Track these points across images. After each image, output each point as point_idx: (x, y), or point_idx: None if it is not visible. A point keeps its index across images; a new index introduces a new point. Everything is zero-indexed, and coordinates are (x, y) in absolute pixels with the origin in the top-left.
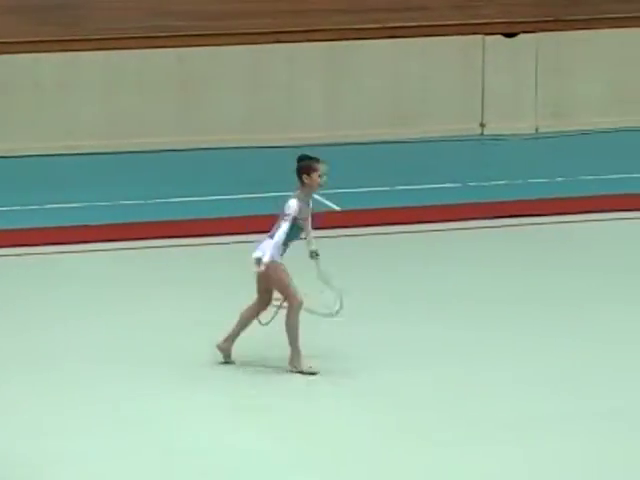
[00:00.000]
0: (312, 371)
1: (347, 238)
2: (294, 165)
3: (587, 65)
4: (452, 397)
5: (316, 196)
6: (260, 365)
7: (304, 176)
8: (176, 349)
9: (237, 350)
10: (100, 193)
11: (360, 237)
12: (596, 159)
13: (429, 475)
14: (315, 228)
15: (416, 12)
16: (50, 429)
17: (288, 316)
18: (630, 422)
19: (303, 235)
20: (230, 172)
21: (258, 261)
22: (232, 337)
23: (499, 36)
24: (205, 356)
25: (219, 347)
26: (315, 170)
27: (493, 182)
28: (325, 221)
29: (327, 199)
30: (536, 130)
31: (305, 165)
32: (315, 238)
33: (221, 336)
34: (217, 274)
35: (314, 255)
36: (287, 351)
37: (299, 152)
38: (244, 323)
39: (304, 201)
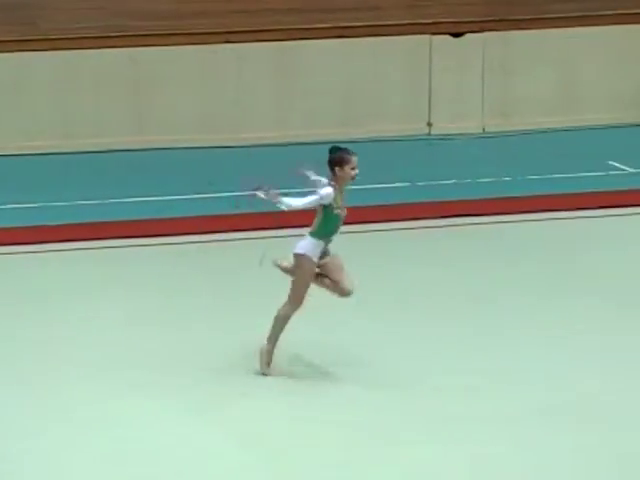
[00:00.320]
0: (265, 372)
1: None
2: (246, 164)
3: (533, 65)
4: (410, 395)
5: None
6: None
7: (336, 168)
8: (129, 350)
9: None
10: (55, 194)
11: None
12: (543, 159)
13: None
14: (265, 228)
15: (365, 12)
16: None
17: (282, 310)
18: (579, 414)
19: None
20: (183, 172)
21: (296, 257)
22: (273, 340)
23: (446, 36)
24: (159, 359)
25: (262, 351)
26: (348, 162)
27: (441, 181)
28: (276, 221)
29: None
30: (483, 130)
31: (338, 157)
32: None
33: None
34: (173, 274)
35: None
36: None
37: (250, 152)
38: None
39: (339, 192)
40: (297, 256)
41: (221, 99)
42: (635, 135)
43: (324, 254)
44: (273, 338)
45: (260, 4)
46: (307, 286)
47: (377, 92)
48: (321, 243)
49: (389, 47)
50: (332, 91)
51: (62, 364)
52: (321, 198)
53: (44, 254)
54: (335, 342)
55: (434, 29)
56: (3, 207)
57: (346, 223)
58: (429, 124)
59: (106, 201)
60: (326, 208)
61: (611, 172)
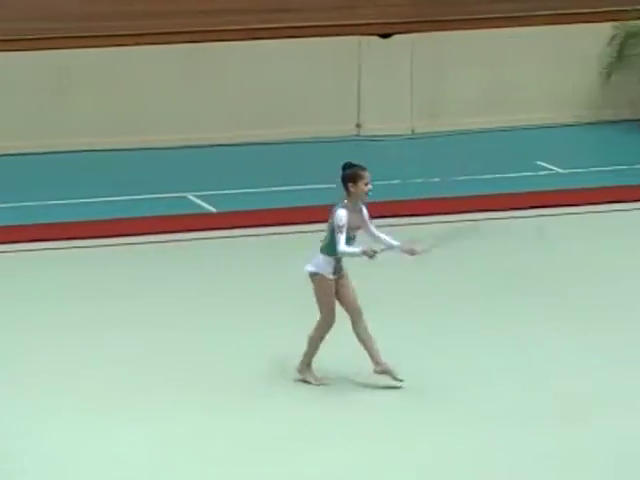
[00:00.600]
0: (323, 382)
1: (223, 240)
2: (154, 167)
3: (463, 65)
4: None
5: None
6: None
7: (350, 184)
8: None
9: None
10: None
11: (234, 239)
12: (471, 159)
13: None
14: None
15: (291, 13)
16: None
17: (316, 329)
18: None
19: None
20: (85, 175)
21: (311, 276)
22: (307, 360)
23: (375, 37)
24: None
25: (299, 371)
26: (361, 178)
27: None
28: (199, 224)
29: (203, 201)
30: (412, 131)
31: (351, 173)
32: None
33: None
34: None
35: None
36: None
37: (164, 155)
38: (314, 344)
39: (352, 210)
40: (311, 275)
41: (133, 102)
42: (567, 135)
43: (338, 270)
44: (309, 355)
45: (172, 6)
46: (330, 302)
47: (305, 93)
48: (332, 260)
49: (317, 48)
50: (260, 92)
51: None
52: (345, 229)
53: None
54: None
55: (363, 30)
56: None
57: (269, 225)
58: (358, 125)
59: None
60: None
61: (540, 172)
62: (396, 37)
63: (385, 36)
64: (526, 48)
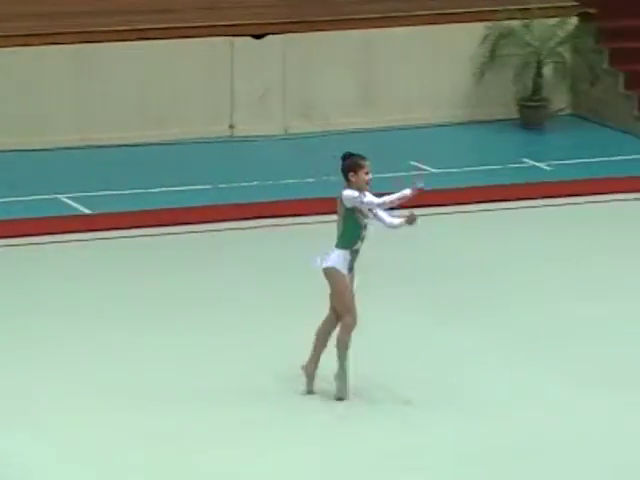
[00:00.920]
0: (339, 396)
1: (99, 242)
2: (49, 168)
3: (335, 66)
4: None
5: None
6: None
7: (350, 174)
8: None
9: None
10: None
11: (109, 240)
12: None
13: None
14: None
15: (165, 14)
16: None
17: (340, 333)
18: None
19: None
20: None
21: (325, 271)
22: (315, 359)
23: (247, 38)
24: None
25: (305, 369)
26: (362, 167)
27: (244, 183)
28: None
29: (74, 201)
30: (285, 131)
31: (351, 163)
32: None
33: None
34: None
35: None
36: None
37: (52, 155)
38: (323, 341)
39: None
40: (326, 270)
41: (20, 102)
42: (443, 135)
43: (351, 267)
44: (342, 361)
45: (57, 7)
46: (348, 297)
47: (177, 94)
48: (347, 254)
49: (189, 49)
50: (132, 93)
51: None
52: (361, 202)
53: None
54: None
55: (235, 31)
56: None
57: (142, 226)
58: (231, 126)
59: None
60: (352, 215)
61: (413, 172)
62: (268, 38)
63: (258, 37)
64: (402, 48)
